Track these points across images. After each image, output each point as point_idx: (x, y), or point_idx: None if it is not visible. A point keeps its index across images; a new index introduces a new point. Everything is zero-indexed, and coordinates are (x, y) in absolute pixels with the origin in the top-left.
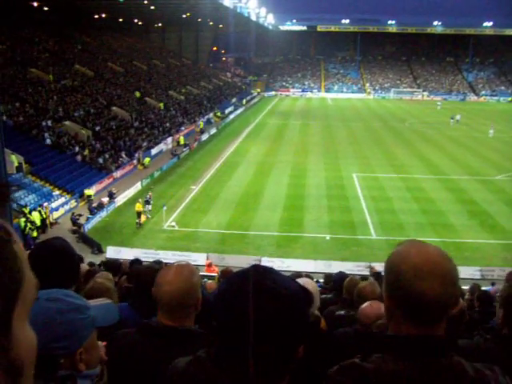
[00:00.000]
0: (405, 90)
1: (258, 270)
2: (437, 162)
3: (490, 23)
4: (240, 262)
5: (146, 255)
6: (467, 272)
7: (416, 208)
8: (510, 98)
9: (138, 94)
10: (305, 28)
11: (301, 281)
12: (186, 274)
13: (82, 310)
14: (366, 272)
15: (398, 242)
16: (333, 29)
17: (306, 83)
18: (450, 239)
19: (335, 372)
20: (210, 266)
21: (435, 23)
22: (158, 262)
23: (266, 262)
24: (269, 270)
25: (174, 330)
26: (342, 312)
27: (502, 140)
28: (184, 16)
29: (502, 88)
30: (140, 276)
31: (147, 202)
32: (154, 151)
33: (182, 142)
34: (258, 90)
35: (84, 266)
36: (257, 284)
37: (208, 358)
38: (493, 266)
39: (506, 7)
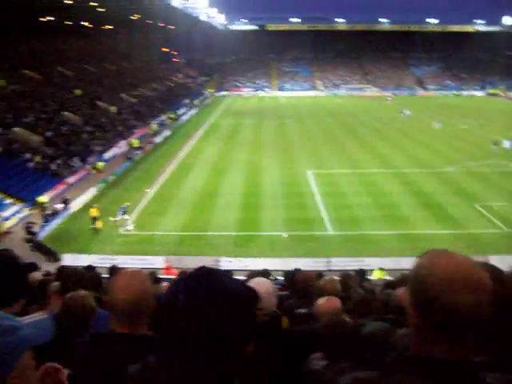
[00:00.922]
0: (356, 86)
1: (205, 272)
2: (389, 156)
3: (436, 20)
4: (199, 263)
5: (103, 261)
6: None
7: (371, 202)
8: (456, 92)
9: (78, 92)
10: (255, 27)
11: (255, 281)
12: (138, 281)
13: (6, 333)
14: (324, 267)
15: (354, 236)
16: (283, 28)
17: (259, 82)
18: (404, 231)
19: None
20: (168, 268)
21: (383, 20)
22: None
23: (225, 262)
24: (216, 272)
25: (128, 337)
26: (303, 310)
27: (449, 133)
28: (133, 17)
29: (449, 82)
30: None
31: (124, 213)
32: (107, 155)
33: (135, 145)
34: (211, 90)
35: (36, 276)
36: (204, 285)
37: (158, 362)
38: None
39: (450, 4)
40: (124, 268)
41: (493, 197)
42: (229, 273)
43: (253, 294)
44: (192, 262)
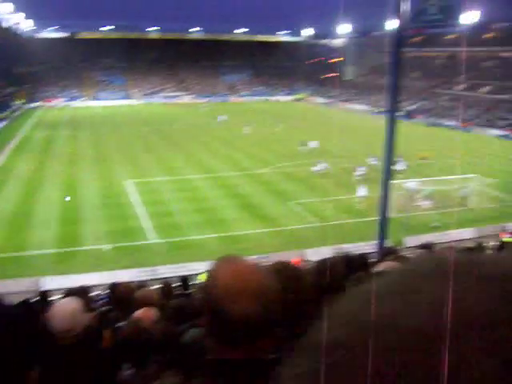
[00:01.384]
0: (171, 94)
1: None
2: (207, 161)
3: (245, 30)
4: (17, 286)
5: None
6: None
7: (192, 208)
8: (265, 98)
9: None
10: (66, 35)
11: (57, 305)
12: None
13: None
14: (150, 277)
15: (178, 242)
16: (95, 36)
17: (72, 92)
18: (226, 233)
19: None
20: None
21: (195, 29)
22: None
23: (48, 281)
24: None
25: None
26: (123, 323)
27: (262, 136)
28: None
29: (259, 88)
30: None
31: None
32: None
33: None
34: (21, 101)
35: None
36: None
37: None
38: (267, 253)
39: (257, 15)
40: None
41: (304, 194)
42: None
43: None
44: (9, 286)
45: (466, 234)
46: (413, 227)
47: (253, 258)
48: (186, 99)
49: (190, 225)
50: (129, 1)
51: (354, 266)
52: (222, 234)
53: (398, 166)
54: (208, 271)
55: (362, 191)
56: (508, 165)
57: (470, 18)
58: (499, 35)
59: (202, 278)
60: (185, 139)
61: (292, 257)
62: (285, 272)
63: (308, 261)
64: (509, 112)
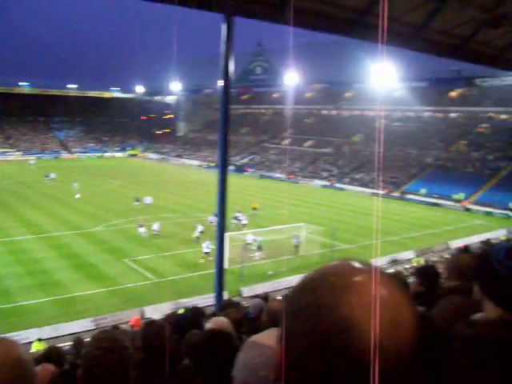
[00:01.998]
0: None
1: None
2: (37, 221)
3: (75, 86)
4: None
5: None
6: (82, 325)
7: (22, 271)
8: (99, 154)
9: None
10: None
11: None
12: None
13: None
14: None
15: (7, 309)
16: None
17: None
18: (60, 296)
19: None
20: None
21: (23, 83)
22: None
23: None
24: None
25: None
26: None
27: (96, 193)
28: None
29: (92, 145)
30: None
31: None
32: None
33: None
34: None
35: None
36: None
37: None
38: (105, 313)
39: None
40: None
41: (139, 250)
42: None
43: None
44: None
45: (297, 279)
46: (250, 277)
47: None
48: (14, 156)
49: (19, 289)
50: None
51: (187, 324)
52: (58, 297)
53: (238, 219)
54: (310, 284)
55: (206, 247)
56: (331, 212)
57: (292, 78)
58: (318, 95)
59: (36, 347)
60: (13, 198)
61: (131, 316)
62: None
63: (146, 319)
64: (329, 164)
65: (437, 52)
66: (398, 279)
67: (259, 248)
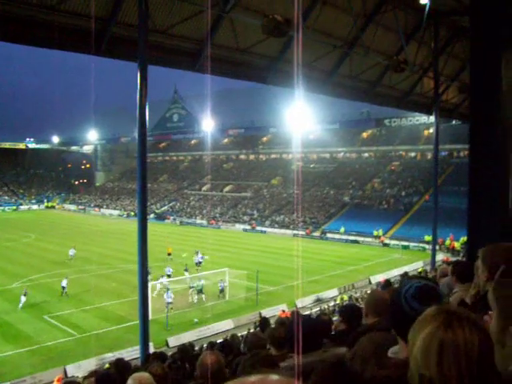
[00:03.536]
0: None
1: None
2: None
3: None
4: None
5: None
6: None
7: None
8: (14, 207)
9: None
10: None
11: None
12: None
13: None
14: None
15: None
16: None
17: None
18: None
19: None
20: None
21: None
22: None
23: None
24: None
25: None
26: None
27: (12, 248)
28: None
29: (6, 198)
30: None
31: None
32: None
33: None
34: None
35: None
36: None
37: None
38: (25, 375)
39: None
40: None
41: (62, 306)
42: None
43: None
44: None
45: (223, 325)
46: (177, 326)
47: None
48: None
49: None
50: None
51: (111, 380)
52: None
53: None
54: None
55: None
56: (254, 255)
57: (209, 125)
58: (236, 140)
59: None
60: None
61: (52, 376)
62: None
63: (69, 378)
64: (249, 208)
65: (347, 96)
66: None
67: (199, 292)
